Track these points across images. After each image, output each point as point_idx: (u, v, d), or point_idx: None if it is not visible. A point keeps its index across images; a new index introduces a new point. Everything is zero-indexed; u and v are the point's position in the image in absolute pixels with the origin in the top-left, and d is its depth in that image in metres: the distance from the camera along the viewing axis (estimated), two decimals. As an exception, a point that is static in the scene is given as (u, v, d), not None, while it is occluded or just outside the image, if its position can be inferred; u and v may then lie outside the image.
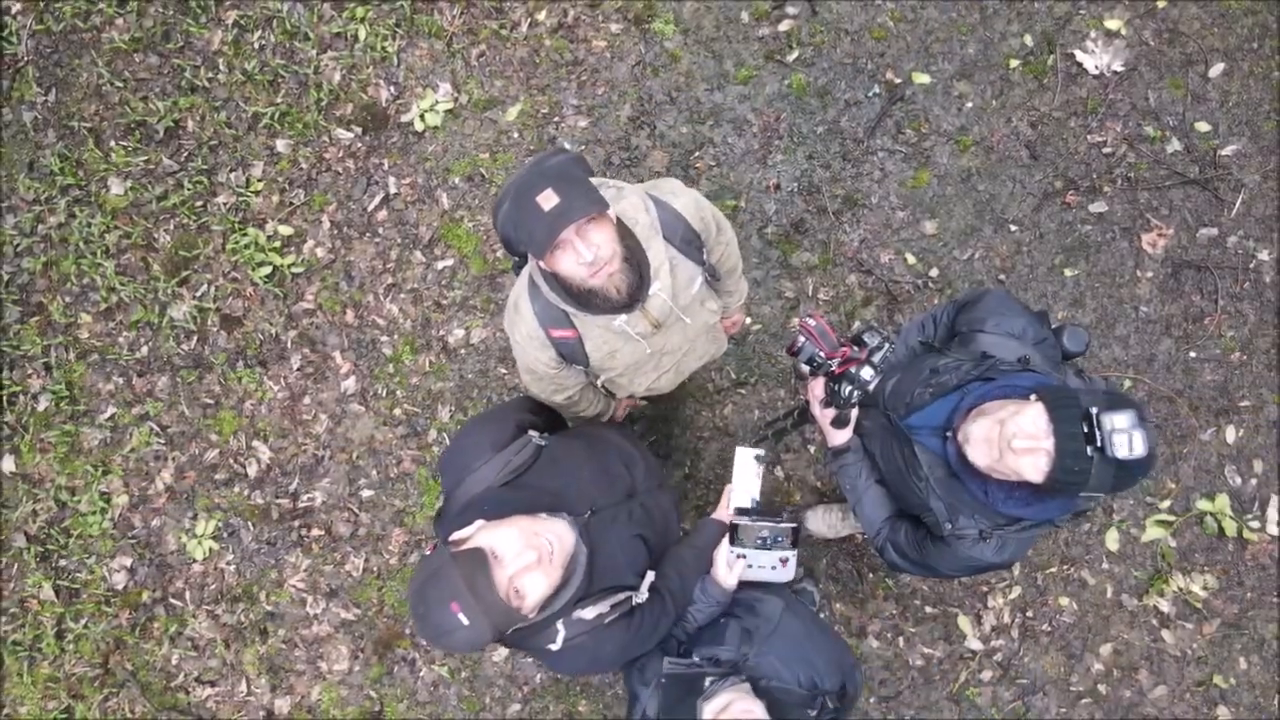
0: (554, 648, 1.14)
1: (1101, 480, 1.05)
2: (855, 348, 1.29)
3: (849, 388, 1.29)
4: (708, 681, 1.26)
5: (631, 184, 1.35)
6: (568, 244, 1.14)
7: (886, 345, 1.29)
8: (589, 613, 1.15)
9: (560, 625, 1.13)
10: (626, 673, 1.37)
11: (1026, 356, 1.23)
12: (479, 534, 1.06)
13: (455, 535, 1.09)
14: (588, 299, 1.21)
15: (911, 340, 1.45)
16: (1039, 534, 1.26)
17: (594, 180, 1.25)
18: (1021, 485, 1.13)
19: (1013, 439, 1.09)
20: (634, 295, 1.22)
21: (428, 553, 1.11)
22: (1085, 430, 1.04)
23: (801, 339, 1.32)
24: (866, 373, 1.27)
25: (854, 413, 1.38)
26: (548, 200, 1.11)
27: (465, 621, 0.97)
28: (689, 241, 1.34)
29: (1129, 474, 1.06)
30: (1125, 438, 1.02)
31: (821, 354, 1.31)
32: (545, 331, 1.28)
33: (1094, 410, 1.05)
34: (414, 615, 1.03)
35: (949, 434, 1.22)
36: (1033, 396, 1.11)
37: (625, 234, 1.22)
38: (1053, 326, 1.36)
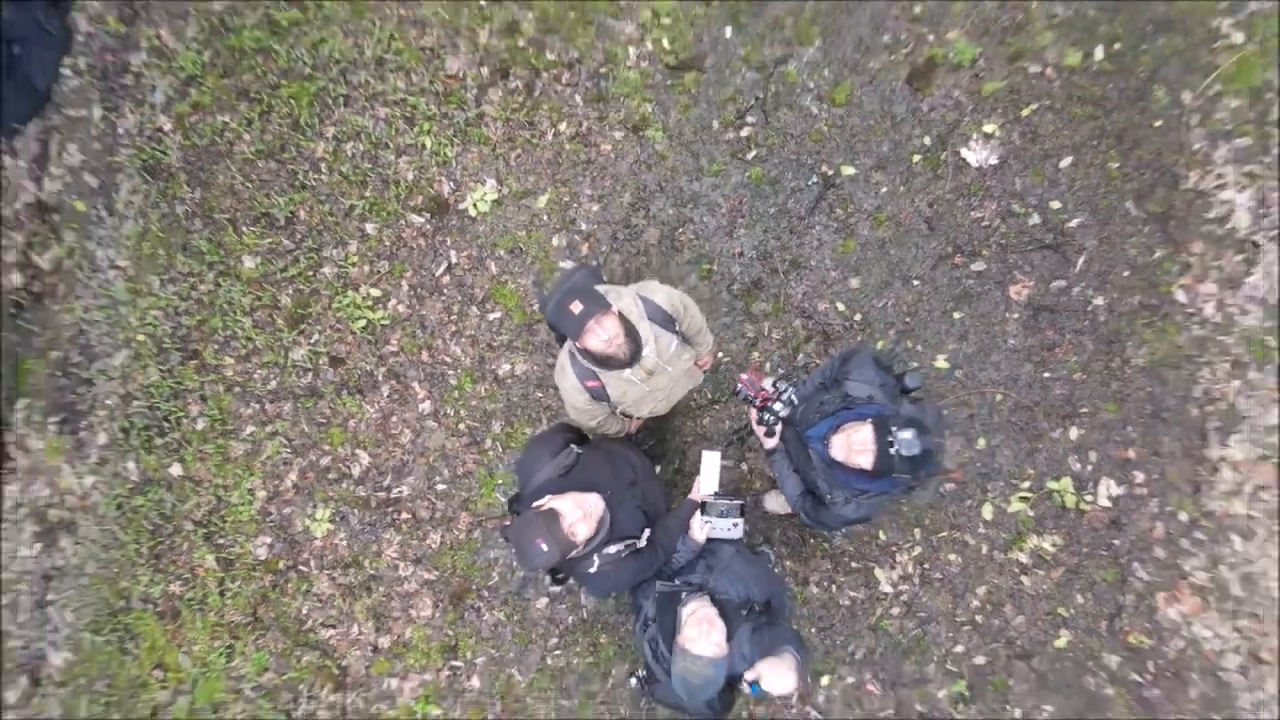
0: (592, 571, 1.98)
1: (901, 468, 1.88)
2: (770, 391, 2.13)
3: (768, 415, 2.13)
4: (684, 595, 2.09)
5: (627, 286, 2.18)
6: (590, 330, 1.96)
7: (789, 391, 2.13)
8: (611, 550, 1.99)
9: (595, 557, 1.97)
10: (633, 592, 2.21)
11: (872, 395, 2.07)
12: (549, 503, 1.89)
13: (535, 504, 1.92)
14: (605, 361, 2.04)
15: (815, 382, 2.27)
16: (881, 500, 2.08)
17: (603, 288, 2.08)
18: (862, 471, 1.96)
19: (855, 445, 1.92)
20: (633, 356, 2.04)
21: (507, 523, 1.94)
22: (889, 440, 1.87)
23: (740, 386, 2.16)
24: (776, 406, 2.11)
25: (777, 428, 2.22)
26: (575, 308, 1.93)
27: (545, 549, 1.80)
28: (665, 320, 2.17)
29: (915, 465, 1.88)
30: (908, 445, 1.85)
31: (751, 395, 2.15)
32: (582, 383, 2.11)
33: (894, 428, 1.88)
34: (516, 547, 1.85)
35: (825, 441, 2.05)
36: (868, 421, 1.95)
37: (624, 320, 2.05)
38: (900, 373, 2.19)
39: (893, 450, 1.86)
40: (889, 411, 1.99)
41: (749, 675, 1.88)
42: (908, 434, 1.85)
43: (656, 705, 2.77)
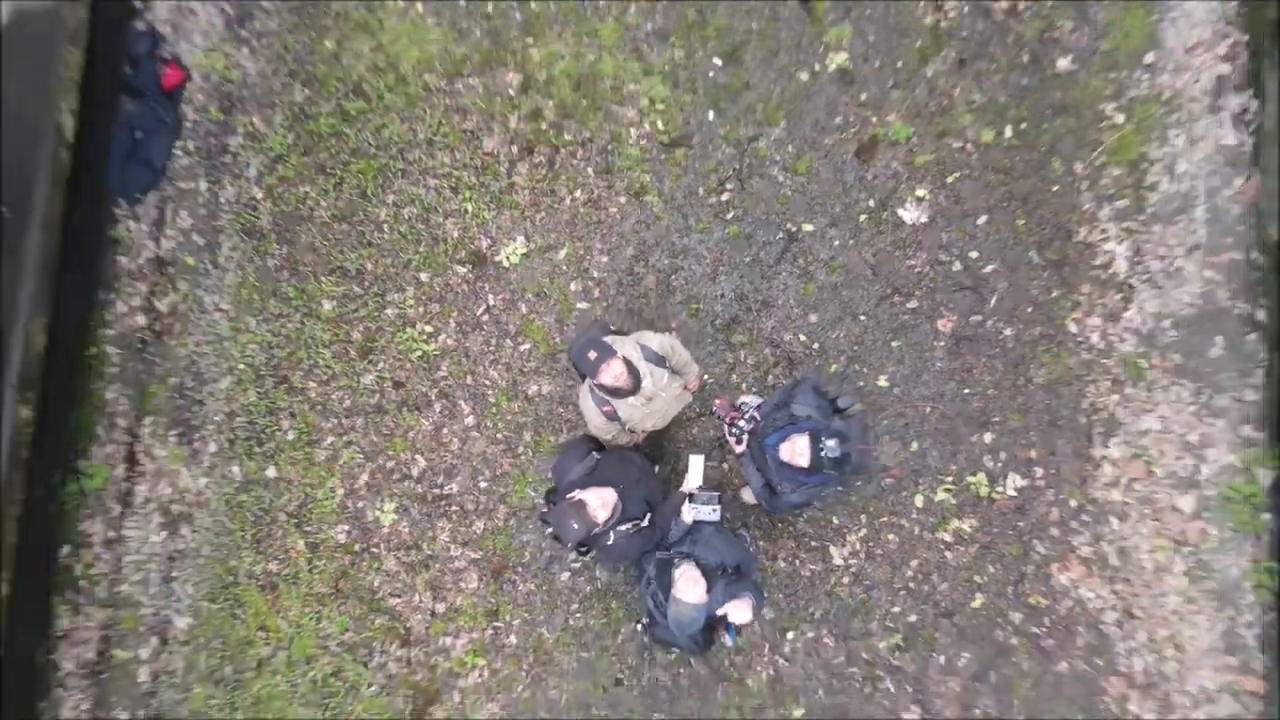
0: (609, 543, 2.77)
1: (828, 467, 2.67)
2: (737, 412, 2.93)
3: (736, 429, 2.93)
4: (676, 560, 2.89)
5: (629, 335, 2.97)
6: (602, 371, 2.75)
7: (751, 410, 2.92)
8: (623, 529, 2.78)
9: (611, 534, 2.76)
10: (638, 560, 3.01)
11: (810, 414, 2.86)
12: (577, 495, 2.68)
13: (567, 496, 2.71)
14: (615, 392, 2.83)
15: (771, 403, 3.06)
16: (816, 490, 2.87)
17: (610, 338, 2.86)
18: (800, 469, 2.74)
19: (796, 450, 2.71)
20: (635, 387, 2.84)
21: (545, 510, 2.74)
22: (820, 447, 2.67)
23: (715, 408, 2.96)
24: (741, 423, 2.90)
25: (744, 438, 3.01)
26: (591, 355, 2.71)
27: (576, 528, 2.60)
28: (658, 359, 2.95)
29: (838, 465, 2.67)
30: (832, 450, 2.64)
31: (723, 415, 2.94)
32: (599, 408, 2.90)
33: (824, 439, 2.67)
34: (554, 527, 2.63)
35: (776, 447, 2.84)
36: (806, 433, 2.74)
37: (627, 362, 2.83)
38: (834, 397, 2.97)
39: (822, 454, 2.66)
40: (821, 426, 2.78)
41: (719, 611, 2.67)
42: (832, 443, 2.64)
43: (656, 646, 3.57)
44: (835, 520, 3.78)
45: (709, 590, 2.74)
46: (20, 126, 3.34)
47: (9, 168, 3.28)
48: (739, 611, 2.67)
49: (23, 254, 3.33)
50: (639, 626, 3.11)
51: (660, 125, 3.96)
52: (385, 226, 3.97)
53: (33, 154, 3.40)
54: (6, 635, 3.41)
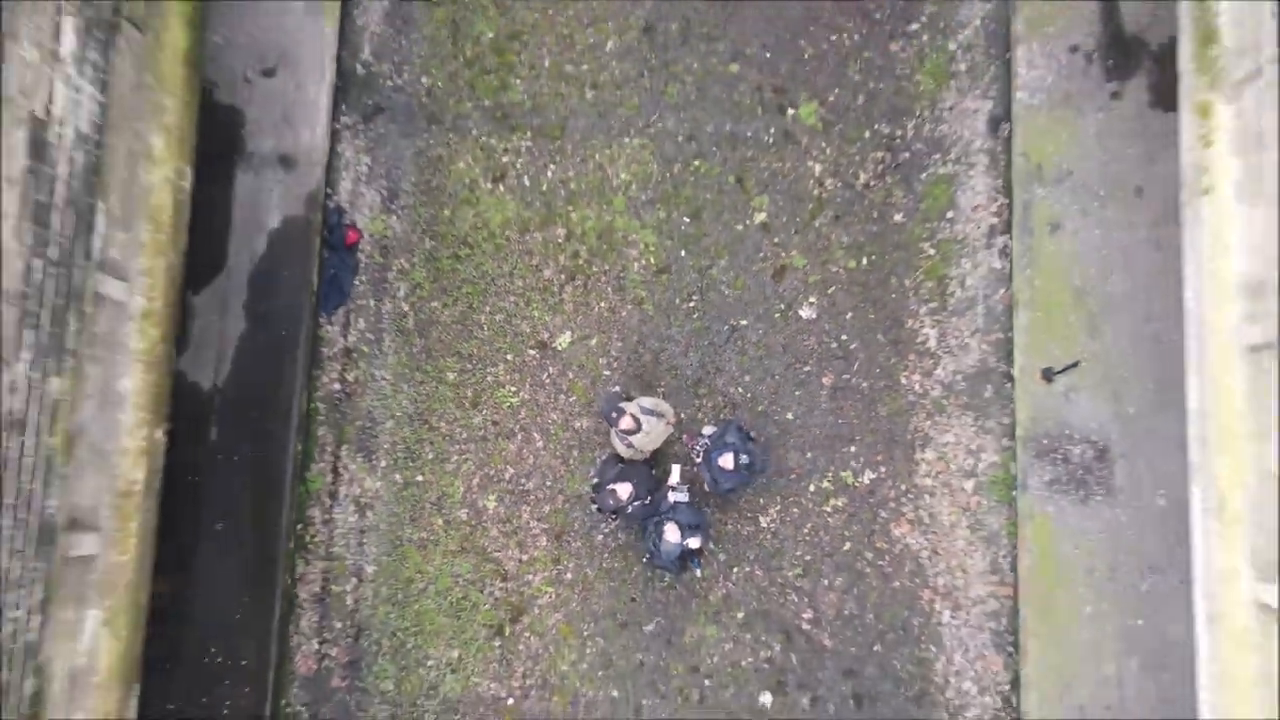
0: (629, 512, 5.40)
1: (743, 469, 5.29)
2: (695, 441, 5.54)
3: (697, 450, 5.54)
4: (664, 520, 5.52)
5: (634, 399, 5.58)
6: (619, 422, 5.34)
7: (704, 440, 5.53)
8: (635, 504, 5.41)
9: (629, 507, 5.38)
10: (643, 522, 5.64)
11: (734, 441, 5.46)
12: (611, 486, 5.30)
13: (607, 487, 5.33)
14: (629, 432, 5.45)
15: (716, 434, 5.66)
16: (738, 482, 5.49)
17: (624, 403, 5.48)
18: (730, 471, 5.34)
19: (725, 461, 5.32)
20: (638, 429, 5.45)
21: (593, 495, 5.37)
22: (738, 458, 5.28)
23: (684, 440, 5.57)
24: (698, 447, 5.52)
25: (701, 454, 5.61)
26: (614, 414, 5.31)
27: (611, 503, 5.21)
28: (652, 412, 5.57)
29: (749, 469, 5.29)
30: (744, 460, 5.25)
31: (689, 444, 5.56)
32: (621, 442, 5.51)
33: (740, 454, 5.28)
34: (598, 504, 5.26)
35: (716, 459, 5.44)
36: (730, 450, 5.34)
37: (634, 415, 5.44)
38: (748, 432, 5.57)
39: (740, 462, 5.27)
40: (740, 448, 5.39)
41: (688, 544, 5.28)
42: (745, 458, 5.26)
43: (654, 572, 6.16)
44: (761, 501, 6.37)
45: (682, 535, 5.36)
46: (293, 280, 5.95)
47: (289, 308, 5.89)
48: (694, 541, 5.28)
49: (297, 357, 5.94)
50: (645, 560, 5.73)
51: (652, 260, 6.56)
52: (484, 326, 6.57)
53: (297, 297, 6.01)
54: (282, 580, 6.02)
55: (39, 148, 4.15)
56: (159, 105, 5.25)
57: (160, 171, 5.32)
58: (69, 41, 4.33)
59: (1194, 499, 4.94)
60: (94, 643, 4.77)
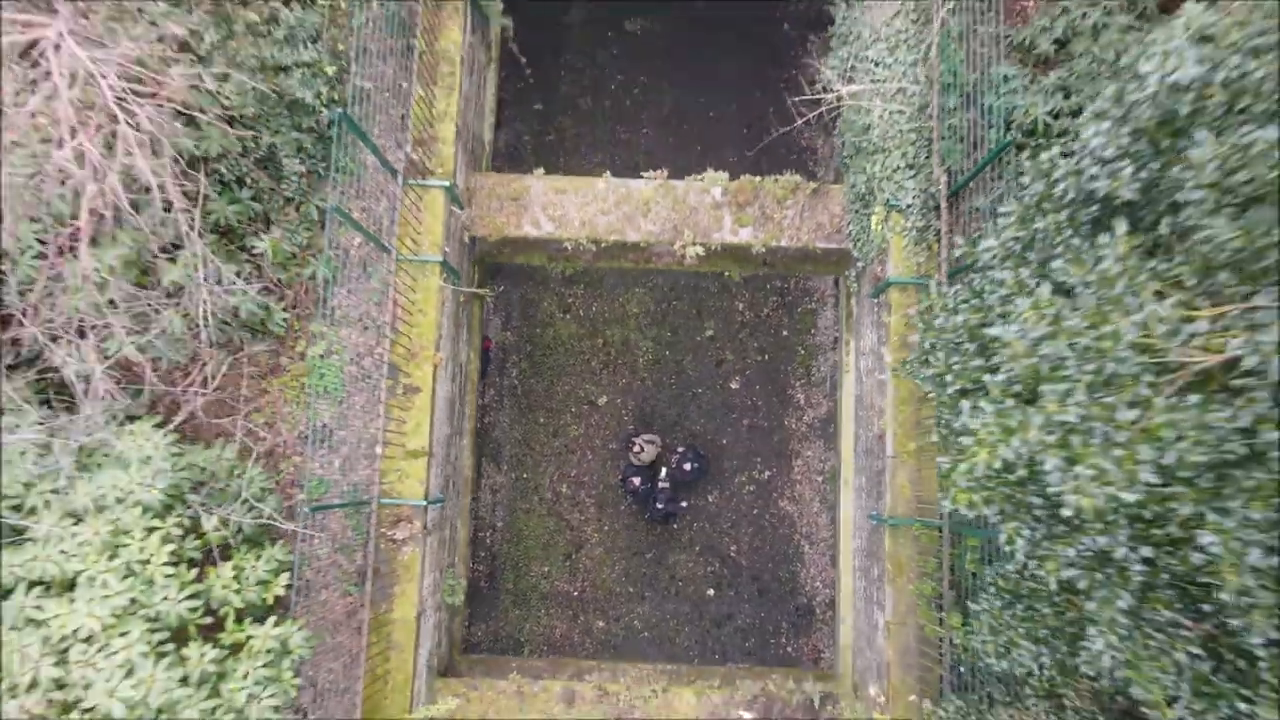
0: (641, 493, 11.39)
1: (695, 473, 11.22)
2: (673, 457, 11.49)
3: (673, 460, 11.48)
4: (659, 497, 11.52)
5: (641, 434, 11.52)
6: (631, 450, 11.31)
7: (677, 455, 11.47)
8: (644, 489, 11.41)
9: (640, 490, 11.38)
10: (645, 498, 11.64)
11: (692, 456, 11.39)
12: (630, 479, 11.27)
13: (629, 479, 11.29)
14: (637, 453, 11.41)
15: (684, 451, 11.59)
16: (695, 476, 11.43)
17: (634, 435, 11.45)
18: (689, 471, 11.27)
19: (688, 470, 11.25)
20: (643, 450, 11.43)
21: (622, 482, 11.32)
22: (691, 466, 11.22)
23: (667, 455, 11.51)
24: (675, 458, 11.47)
25: (675, 462, 11.55)
26: (628, 443, 11.31)
27: (630, 488, 11.20)
28: (650, 440, 11.53)
29: (699, 472, 11.24)
30: (689, 467, 11.20)
31: (668, 456, 11.51)
32: (633, 458, 11.45)
33: (697, 465, 11.22)
34: (625, 488, 11.22)
35: (680, 465, 11.38)
36: (689, 462, 11.27)
37: (640, 444, 11.41)
38: (703, 452, 11.48)
39: (694, 467, 11.23)
40: (695, 459, 11.35)
41: (667, 510, 11.27)
42: (698, 465, 11.22)
43: (650, 525, 12.11)
44: (708, 488, 12.32)
45: (666, 506, 11.35)
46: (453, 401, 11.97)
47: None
48: (672, 508, 11.24)
49: (465, 411, 11.95)
50: (645, 519, 11.69)
51: (650, 357, 12.50)
52: (559, 393, 12.52)
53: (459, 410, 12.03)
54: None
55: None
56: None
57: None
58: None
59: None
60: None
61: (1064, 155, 3.84)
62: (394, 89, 7.81)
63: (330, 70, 7.19)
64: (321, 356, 7.51)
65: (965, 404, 3.71)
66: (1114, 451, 2.67)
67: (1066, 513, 2.86)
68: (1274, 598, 2.52)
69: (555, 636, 12.10)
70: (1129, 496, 2.72)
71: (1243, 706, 3.02)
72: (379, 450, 7.12)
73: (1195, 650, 3.03)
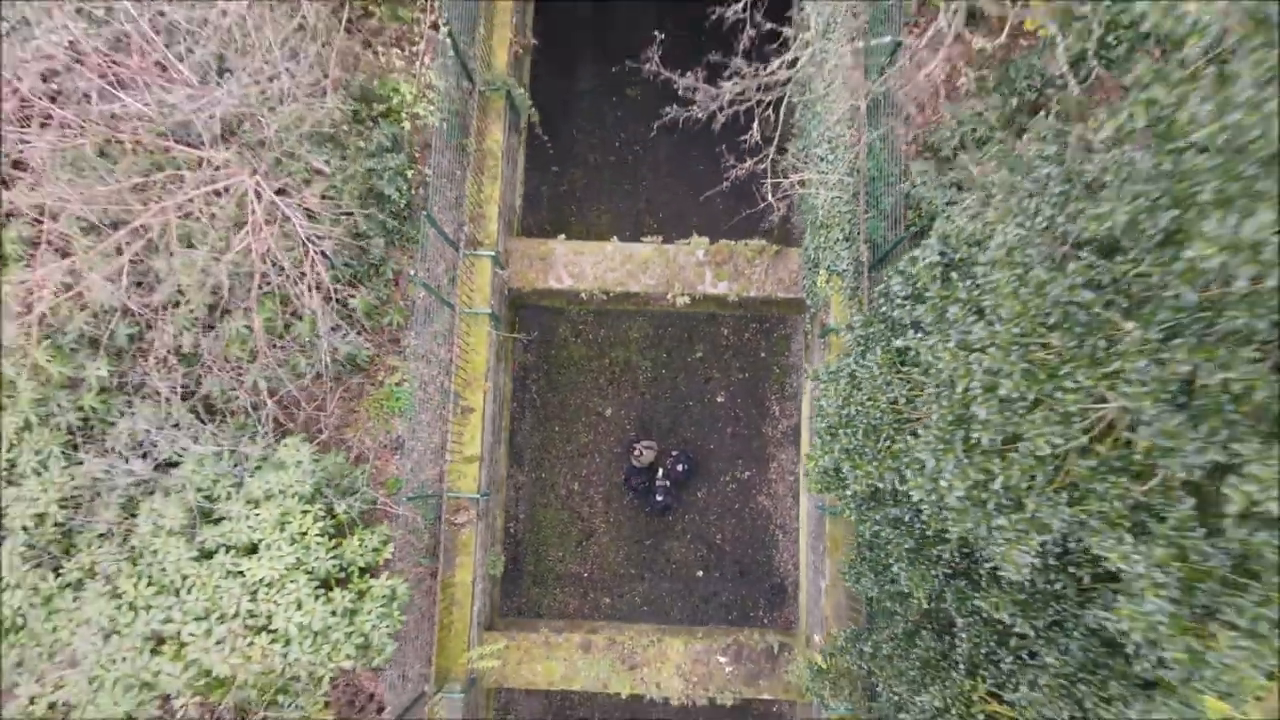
0: (642, 489, 14.04)
1: (684, 473, 13.85)
2: (667, 459, 14.12)
3: (668, 462, 14.11)
4: (658, 492, 14.17)
5: (641, 440, 14.15)
6: (633, 453, 13.95)
7: (671, 457, 14.09)
8: (643, 485, 14.07)
9: (640, 486, 14.03)
10: (644, 493, 14.29)
11: (683, 458, 14.02)
12: (630, 479, 13.90)
13: (629, 479, 13.93)
14: (638, 457, 14.05)
15: (677, 454, 14.21)
16: (685, 476, 14.05)
17: (635, 441, 14.10)
18: (680, 472, 13.89)
19: (679, 467, 13.89)
20: (644, 454, 14.06)
21: (625, 481, 13.96)
22: (683, 466, 13.85)
23: (663, 457, 14.14)
24: (669, 460, 14.10)
25: (669, 463, 14.18)
26: (630, 448, 13.96)
27: (633, 485, 13.84)
28: (649, 445, 14.17)
29: (689, 473, 13.86)
30: (681, 468, 13.83)
31: (663, 458, 14.14)
32: (633, 461, 14.08)
33: (688, 467, 13.86)
34: (628, 485, 13.86)
35: (675, 466, 14.00)
36: (681, 463, 13.89)
37: (640, 449, 14.04)
38: (690, 453, 14.09)
39: (685, 467, 13.86)
40: (687, 461, 13.99)
41: (663, 503, 13.92)
42: (688, 466, 13.87)
43: (649, 516, 14.74)
44: (696, 485, 14.96)
45: (662, 500, 13.98)
46: (492, 392, 14.58)
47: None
48: (668, 501, 13.88)
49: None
50: (645, 511, 14.31)
51: (649, 375, 15.15)
52: (572, 405, 15.18)
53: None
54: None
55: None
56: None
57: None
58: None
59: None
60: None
61: (898, 274, 6.40)
62: (450, 177, 10.42)
63: (409, 173, 9.80)
64: (398, 384, 10.12)
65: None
66: (872, 464, 5.26)
67: (856, 488, 5.46)
68: (971, 520, 5.06)
69: (569, 610, 14.75)
70: (888, 486, 5.31)
71: (980, 603, 5.57)
72: (447, 456, 9.73)
73: (947, 570, 5.59)
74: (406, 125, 9.72)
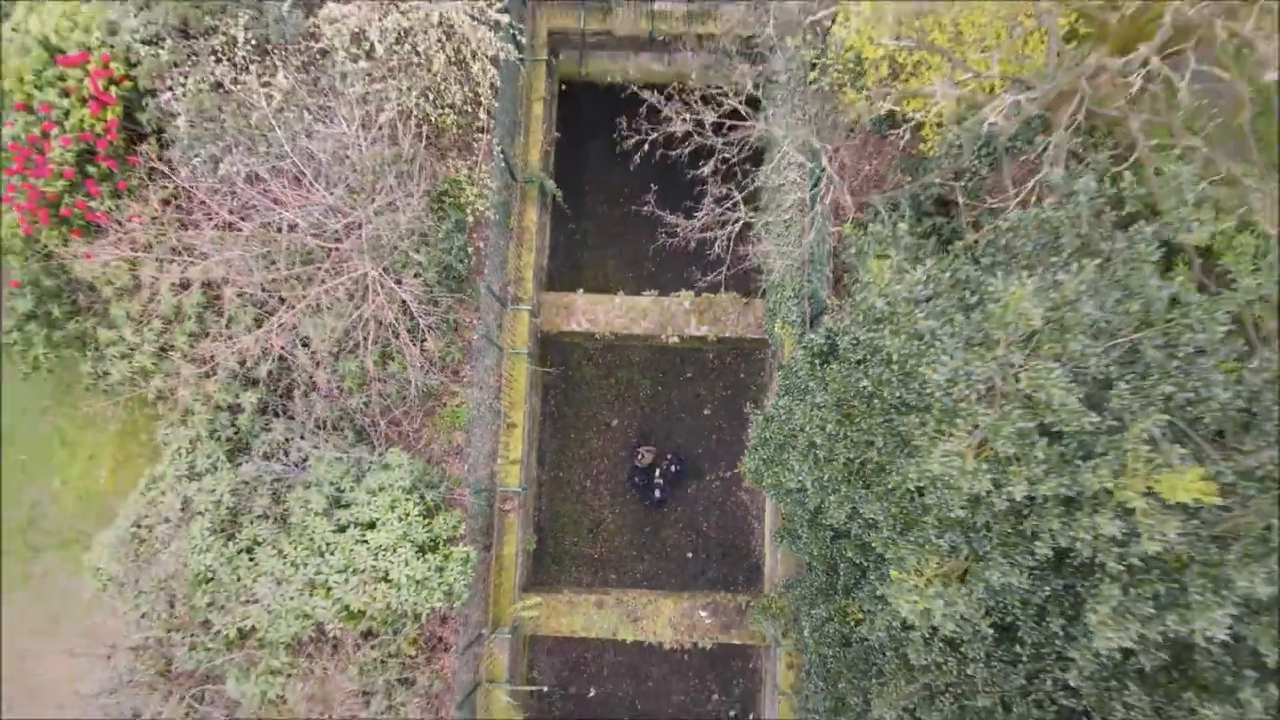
0: (642, 486, 17.85)
1: (677, 474, 17.63)
2: (663, 461, 17.89)
3: (663, 464, 17.89)
4: (656, 489, 17.98)
5: (642, 445, 17.93)
6: (636, 457, 17.75)
7: (666, 459, 17.86)
8: (643, 482, 17.87)
9: (642, 483, 17.82)
10: (644, 488, 18.09)
11: (676, 460, 17.79)
12: (634, 478, 17.67)
13: (633, 478, 17.70)
14: (640, 458, 17.84)
15: (671, 457, 17.97)
16: (678, 476, 17.82)
17: (639, 446, 17.89)
18: (674, 472, 17.65)
19: (673, 468, 17.65)
20: (645, 456, 17.85)
21: (629, 479, 17.73)
22: (675, 467, 17.63)
23: (660, 460, 17.91)
24: (664, 462, 17.88)
25: (665, 465, 17.96)
26: (635, 450, 17.75)
27: (636, 482, 17.63)
28: (649, 449, 17.96)
29: (680, 473, 17.64)
30: (674, 469, 17.61)
31: (660, 461, 17.92)
32: (636, 462, 17.85)
33: (681, 468, 17.64)
34: (631, 482, 17.63)
35: (669, 468, 17.77)
36: (674, 465, 17.65)
37: (643, 452, 17.81)
38: (683, 455, 17.85)
39: (678, 468, 17.65)
40: (679, 463, 17.80)
41: (660, 497, 17.74)
42: (680, 467, 17.68)
43: (648, 508, 18.52)
44: (687, 483, 18.75)
45: (659, 494, 17.79)
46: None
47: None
48: (664, 495, 17.67)
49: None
50: (645, 504, 18.11)
51: (650, 397, 18.93)
52: (584, 417, 18.99)
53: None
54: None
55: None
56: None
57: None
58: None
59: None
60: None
61: (803, 348, 10.15)
62: (497, 247, 14.18)
63: (469, 249, 13.56)
64: (459, 406, 13.90)
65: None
66: (777, 467, 9.00)
67: (769, 482, 9.18)
68: (820, 496, 8.78)
69: (581, 585, 18.53)
70: (786, 480, 9.04)
71: (849, 551, 9.28)
72: (497, 460, 13.50)
73: (831, 533, 9.32)
74: (469, 215, 13.47)
